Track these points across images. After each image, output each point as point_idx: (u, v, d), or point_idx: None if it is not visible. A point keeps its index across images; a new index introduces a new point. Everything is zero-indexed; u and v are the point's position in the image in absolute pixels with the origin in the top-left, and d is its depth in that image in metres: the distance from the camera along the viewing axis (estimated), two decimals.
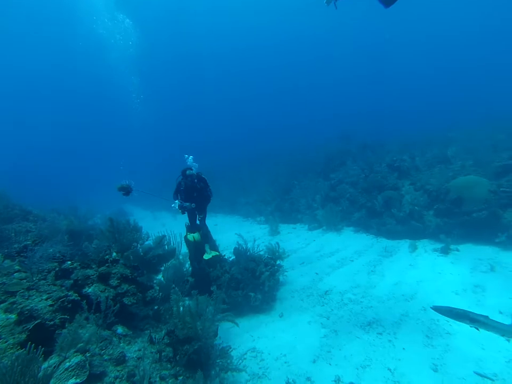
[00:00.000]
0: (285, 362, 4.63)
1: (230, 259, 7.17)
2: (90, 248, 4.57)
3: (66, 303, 3.83)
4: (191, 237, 6.98)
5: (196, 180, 6.88)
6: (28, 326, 3.09)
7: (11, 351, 2.95)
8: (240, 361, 4.69)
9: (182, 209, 6.72)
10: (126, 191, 5.96)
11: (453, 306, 3.79)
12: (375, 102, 41.04)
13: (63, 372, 3.01)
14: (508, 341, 3.64)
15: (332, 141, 19.61)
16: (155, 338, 4.42)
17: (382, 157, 13.54)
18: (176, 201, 6.54)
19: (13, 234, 4.99)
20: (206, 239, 7.15)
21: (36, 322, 3.09)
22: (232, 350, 4.75)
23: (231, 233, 11.04)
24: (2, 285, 3.75)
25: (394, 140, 17.40)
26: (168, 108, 44.87)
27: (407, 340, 4.81)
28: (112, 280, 4.60)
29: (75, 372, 3.05)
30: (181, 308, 4.65)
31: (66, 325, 3.64)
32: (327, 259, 8.35)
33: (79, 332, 3.33)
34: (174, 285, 5.91)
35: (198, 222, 7.29)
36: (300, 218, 12.83)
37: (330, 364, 4.51)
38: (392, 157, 12.29)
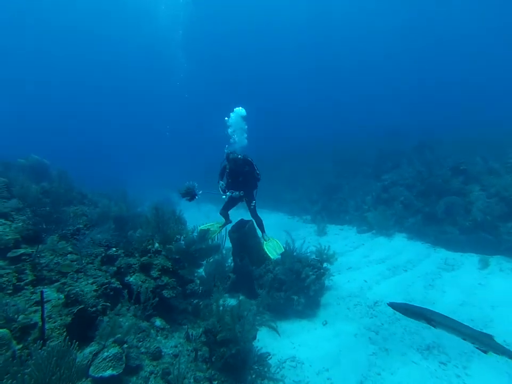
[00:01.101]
0: (328, 379, 4.19)
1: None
2: (134, 236, 4.53)
3: (109, 290, 3.80)
4: (205, 226, 6.60)
5: (241, 163, 6.37)
6: (73, 310, 3.04)
7: (58, 331, 2.92)
8: (279, 369, 4.35)
9: (232, 199, 6.35)
10: (191, 195, 5.72)
11: (410, 304, 3.57)
12: (423, 95, 37.25)
13: (101, 361, 2.92)
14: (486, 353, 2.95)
15: (382, 138, 18.18)
16: (192, 335, 4.25)
17: (441, 158, 12.16)
18: (228, 192, 6.27)
19: (71, 215, 5.16)
20: (262, 229, 6.81)
21: (80, 307, 3.03)
22: (270, 357, 4.42)
23: (276, 231, 10.71)
24: (56, 265, 3.82)
25: (451, 138, 15.60)
26: (213, 89, 43.93)
27: (484, 381, 4.01)
28: (153, 271, 4.52)
29: (112, 363, 2.94)
30: (221, 307, 4.43)
31: (108, 312, 3.60)
32: (377, 266, 7.62)
33: (118, 322, 3.22)
34: (215, 281, 5.73)
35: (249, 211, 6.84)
36: (348, 220, 12.06)
37: None
38: (457, 159, 10.93)
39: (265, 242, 6.71)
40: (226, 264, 7.50)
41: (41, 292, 2.58)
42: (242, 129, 6.40)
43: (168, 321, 4.54)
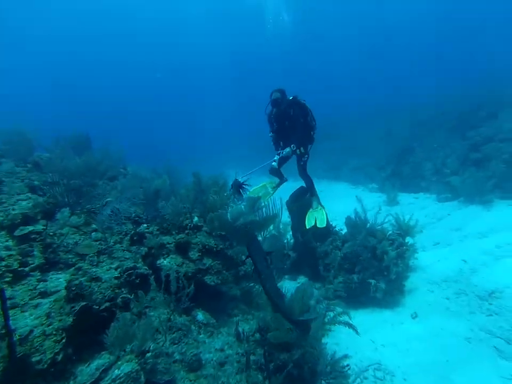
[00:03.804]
0: None
1: (342, 232, 5.40)
2: (167, 208, 3.54)
3: (133, 277, 2.87)
4: (254, 190, 5.24)
5: (284, 105, 4.86)
6: (76, 307, 2.13)
7: (53, 339, 2.04)
8: (360, 380, 3.09)
9: (280, 161, 4.89)
10: (237, 189, 4.55)
11: None
12: None
13: (110, 383, 1.97)
14: None
15: (466, 87, 14.68)
16: (243, 332, 3.19)
17: None
18: (276, 156, 4.93)
19: (103, 189, 4.40)
20: (312, 193, 5.36)
21: (82, 304, 2.09)
22: (346, 361, 3.18)
23: (339, 201, 9.17)
24: (75, 245, 3.01)
25: None
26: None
27: None
28: (192, 252, 3.52)
29: None
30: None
31: (132, 307, 2.67)
32: (478, 241, 5.70)
33: (133, 327, 2.24)
34: (271, 261, 4.59)
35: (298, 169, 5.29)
36: (425, 187, 9.92)
37: None
38: None
39: (311, 210, 5.24)
40: (285, 241, 6.35)
41: (2, 290, 1.64)
42: None
43: (215, 313, 3.55)
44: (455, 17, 32.97)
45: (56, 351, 1.98)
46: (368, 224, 4.83)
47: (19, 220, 2.82)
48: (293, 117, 4.85)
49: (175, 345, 2.76)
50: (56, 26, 34.73)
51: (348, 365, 3.13)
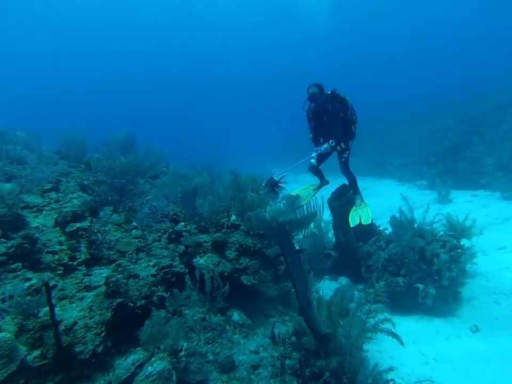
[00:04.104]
0: None
1: (387, 232, 5.02)
2: (204, 207, 3.54)
3: (170, 275, 2.91)
4: (296, 191, 5.01)
5: (322, 99, 4.62)
6: (113, 303, 2.20)
7: (94, 331, 2.14)
8: None
9: (320, 158, 4.69)
10: (272, 187, 4.42)
11: None
12: None
13: (143, 379, 2.00)
14: None
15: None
16: (280, 335, 3.08)
17: None
18: (313, 153, 4.71)
19: (149, 188, 4.57)
20: (355, 190, 5.08)
21: (118, 301, 2.15)
22: (391, 374, 2.91)
23: (384, 199, 8.60)
24: (116, 242, 3.15)
25: None
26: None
27: None
28: (228, 252, 3.49)
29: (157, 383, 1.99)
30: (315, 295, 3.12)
31: (167, 305, 2.72)
32: None
33: (166, 326, 2.26)
34: (311, 260, 4.42)
35: (340, 166, 4.99)
36: (485, 183, 8.88)
37: None
38: None
39: (354, 208, 4.91)
40: (327, 240, 6.10)
41: (46, 283, 1.73)
42: None
43: (251, 313, 3.50)
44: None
45: (97, 343, 2.07)
46: (416, 224, 4.40)
47: (69, 217, 3.02)
48: (332, 111, 4.58)
49: (209, 345, 2.75)
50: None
51: (392, 380, 2.86)
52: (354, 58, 40.85)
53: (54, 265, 2.54)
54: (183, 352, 2.31)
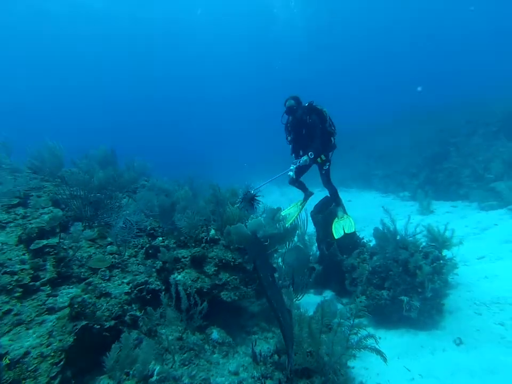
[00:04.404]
0: None
1: (371, 244, 4.98)
2: (182, 221, 3.40)
3: (144, 293, 2.73)
4: (284, 212, 4.98)
5: (300, 112, 4.62)
6: (77, 326, 2.01)
7: (51, 361, 1.92)
8: None
9: (298, 170, 4.61)
10: (249, 201, 4.18)
11: None
12: None
13: None
14: None
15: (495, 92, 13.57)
16: (260, 353, 2.91)
17: None
18: (291, 165, 4.66)
19: (128, 203, 4.39)
20: (337, 202, 5.06)
21: (82, 323, 1.96)
22: None
23: (368, 210, 8.63)
24: (88, 259, 2.95)
25: None
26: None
27: None
28: (208, 267, 3.34)
29: None
30: (296, 312, 2.98)
31: (141, 325, 2.52)
32: None
33: (135, 349, 2.07)
34: (293, 275, 4.31)
35: (321, 178, 4.99)
36: (463, 194, 9.08)
37: None
38: None
39: (336, 219, 4.88)
40: (311, 253, 6.02)
41: None
42: None
43: (233, 330, 3.34)
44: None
45: (53, 374, 1.86)
46: (398, 236, 4.38)
47: (35, 234, 2.81)
48: (310, 124, 4.58)
49: (185, 367, 2.56)
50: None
51: None
52: (334, 70, 41.88)
53: (10, 287, 2.32)
54: (154, 377, 2.12)
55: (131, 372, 2.04)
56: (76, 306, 2.11)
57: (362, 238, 5.14)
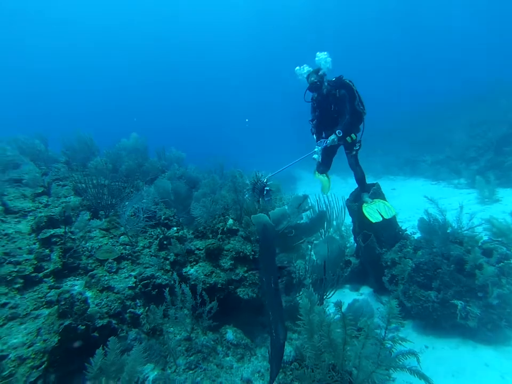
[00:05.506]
0: None
1: (415, 237, 4.22)
2: (197, 210, 3.06)
3: (150, 288, 2.46)
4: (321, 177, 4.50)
5: (326, 87, 3.96)
6: (63, 324, 1.77)
7: (30, 363, 1.70)
8: None
9: (325, 153, 4.03)
10: (259, 190, 3.63)
11: None
12: None
13: None
14: None
15: None
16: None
17: None
18: (316, 147, 4.03)
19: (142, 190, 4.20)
20: (362, 187, 4.38)
21: (66, 323, 1.72)
22: None
23: (413, 200, 7.59)
24: (97, 250, 2.77)
25: None
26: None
27: None
28: (223, 260, 2.97)
29: None
30: (317, 316, 2.48)
31: (143, 323, 2.25)
32: None
33: (121, 358, 1.78)
34: (325, 269, 3.77)
35: (349, 160, 4.32)
36: None
37: None
38: None
39: (365, 205, 4.17)
40: (348, 245, 5.40)
41: None
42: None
43: (253, 330, 2.95)
44: None
45: (32, 379, 1.63)
46: (449, 228, 3.57)
47: (43, 223, 2.69)
48: (340, 98, 3.92)
49: (191, 371, 2.25)
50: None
51: None
52: (372, 50, 38.63)
53: (10, 278, 2.18)
54: None
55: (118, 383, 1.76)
56: (63, 303, 1.88)
57: (405, 230, 4.39)
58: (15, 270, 2.26)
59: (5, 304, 2.02)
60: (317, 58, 3.92)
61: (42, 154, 4.90)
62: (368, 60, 38.87)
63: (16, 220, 2.97)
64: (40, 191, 3.50)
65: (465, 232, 3.61)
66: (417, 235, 4.15)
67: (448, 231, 3.65)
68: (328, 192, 4.91)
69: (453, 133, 12.40)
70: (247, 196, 3.41)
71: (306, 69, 3.95)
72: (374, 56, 38.97)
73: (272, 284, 2.25)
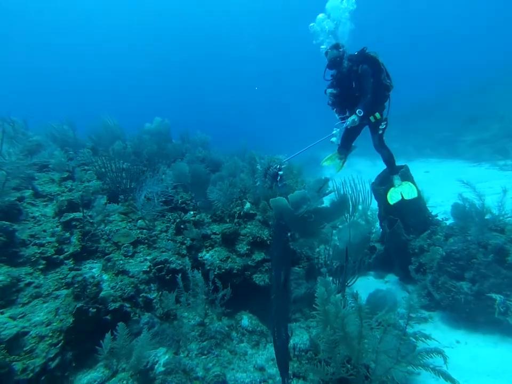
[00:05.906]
0: None
1: (447, 223, 3.86)
2: (214, 193, 2.98)
3: (164, 272, 2.45)
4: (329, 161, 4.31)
5: (347, 63, 3.60)
6: (76, 306, 1.81)
7: (49, 341, 1.76)
8: None
9: (347, 134, 3.77)
10: (272, 176, 3.43)
11: None
12: None
13: None
14: None
15: None
16: (295, 346, 2.42)
17: None
18: (334, 129, 3.68)
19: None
20: (392, 170, 4.04)
21: (78, 305, 1.74)
22: None
23: (447, 183, 6.98)
24: (114, 234, 2.80)
25: None
26: None
27: None
28: (240, 245, 2.90)
29: None
30: (333, 307, 2.34)
31: (156, 307, 2.26)
32: None
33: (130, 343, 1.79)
34: (347, 255, 3.59)
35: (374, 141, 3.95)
36: None
37: None
38: None
39: (392, 189, 3.84)
40: (374, 230, 5.12)
41: None
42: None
43: (268, 317, 2.89)
44: None
45: (51, 356, 1.69)
46: (489, 214, 3.20)
47: (65, 207, 2.76)
48: (362, 74, 3.52)
49: (204, 356, 2.24)
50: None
51: None
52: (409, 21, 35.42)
53: (34, 259, 2.27)
54: (159, 369, 1.82)
55: (127, 365, 1.78)
56: (76, 285, 1.92)
57: (436, 215, 4.02)
58: (39, 251, 2.35)
59: (30, 283, 2.10)
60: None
61: (71, 140, 5.07)
62: (405, 31, 35.95)
63: (44, 203, 3.09)
64: (65, 176, 3.61)
65: (508, 219, 3.22)
66: (450, 221, 3.79)
67: (486, 217, 3.28)
68: (339, 171, 4.58)
69: (498, 109, 11.14)
70: (258, 183, 3.25)
71: (325, 42, 3.58)
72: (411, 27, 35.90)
73: (281, 276, 2.14)
